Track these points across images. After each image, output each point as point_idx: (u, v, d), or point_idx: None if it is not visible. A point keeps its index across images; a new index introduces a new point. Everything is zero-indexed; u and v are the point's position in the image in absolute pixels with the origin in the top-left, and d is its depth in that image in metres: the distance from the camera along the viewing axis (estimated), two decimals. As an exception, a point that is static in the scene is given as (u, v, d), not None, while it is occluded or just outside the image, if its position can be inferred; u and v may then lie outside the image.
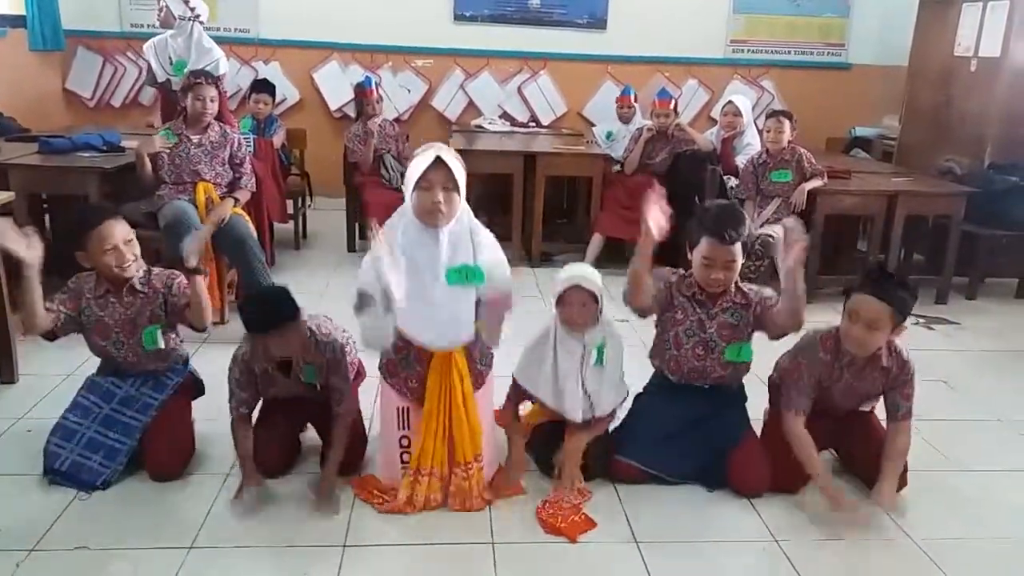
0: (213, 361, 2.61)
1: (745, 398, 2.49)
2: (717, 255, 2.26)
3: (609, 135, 5.20)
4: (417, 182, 1.98)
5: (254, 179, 3.69)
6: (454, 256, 2.05)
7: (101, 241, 2.21)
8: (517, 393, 2.44)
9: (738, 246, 2.25)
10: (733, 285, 2.36)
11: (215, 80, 3.57)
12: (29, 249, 2.08)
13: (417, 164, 1.99)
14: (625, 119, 5.14)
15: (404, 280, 2.01)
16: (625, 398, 2.45)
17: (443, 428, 2.16)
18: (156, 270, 2.38)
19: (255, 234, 3.53)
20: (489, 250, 2.10)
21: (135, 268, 2.29)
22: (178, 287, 2.33)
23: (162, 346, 2.34)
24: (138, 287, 2.32)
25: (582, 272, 2.31)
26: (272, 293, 2.24)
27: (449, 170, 1.99)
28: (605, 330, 2.34)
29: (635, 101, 5.16)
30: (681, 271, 2.41)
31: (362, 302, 2.03)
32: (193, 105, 3.47)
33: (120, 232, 2.24)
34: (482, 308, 2.12)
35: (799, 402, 2.30)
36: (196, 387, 2.53)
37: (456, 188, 2.01)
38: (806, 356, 2.32)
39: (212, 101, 3.49)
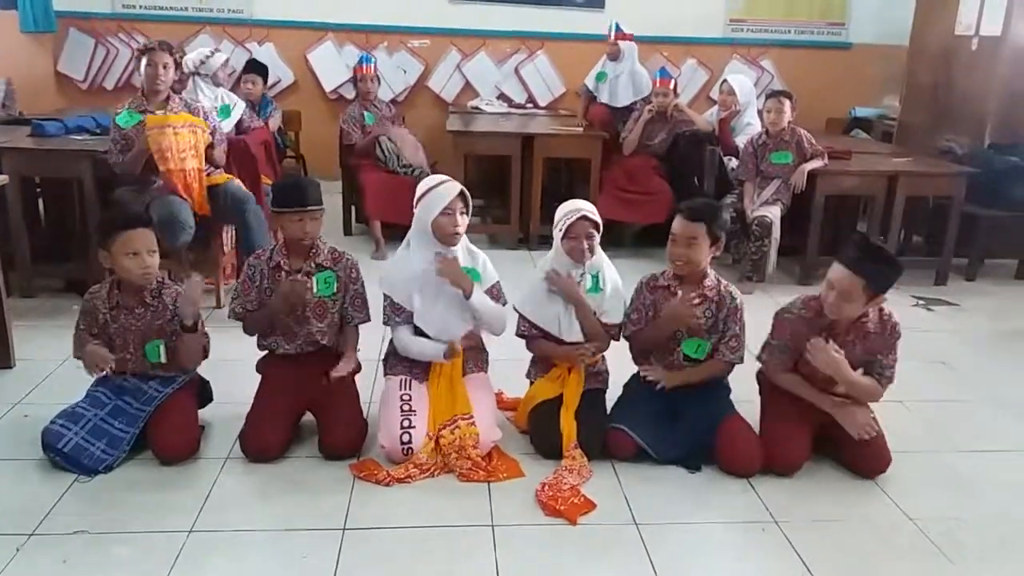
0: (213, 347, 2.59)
1: (728, 389, 2.53)
2: (679, 230, 2.38)
3: (600, 77, 5.00)
4: (443, 209, 2.32)
5: (226, 143, 3.56)
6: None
7: (125, 245, 2.24)
8: (525, 324, 2.53)
9: (701, 226, 2.34)
10: (715, 279, 2.44)
11: (170, 48, 3.33)
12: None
13: (442, 194, 2.33)
14: (612, 56, 4.92)
15: (420, 286, 2.39)
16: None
17: (446, 385, 2.42)
18: (168, 284, 2.39)
19: (253, 197, 3.47)
20: (483, 258, 2.52)
21: (152, 279, 2.31)
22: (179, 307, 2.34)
23: (164, 360, 2.36)
24: (148, 300, 2.34)
25: (585, 204, 2.45)
26: (306, 179, 2.61)
27: (467, 198, 2.38)
28: (601, 260, 2.49)
29: (620, 38, 4.91)
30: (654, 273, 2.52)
31: (388, 317, 2.44)
32: (145, 71, 3.25)
33: (146, 241, 2.27)
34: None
35: (780, 360, 2.42)
36: (204, 392, 2.52)
37: (468, 212, 2.40)
38: (790, 313, 2.41)
39: (166, 68, 3.25)
